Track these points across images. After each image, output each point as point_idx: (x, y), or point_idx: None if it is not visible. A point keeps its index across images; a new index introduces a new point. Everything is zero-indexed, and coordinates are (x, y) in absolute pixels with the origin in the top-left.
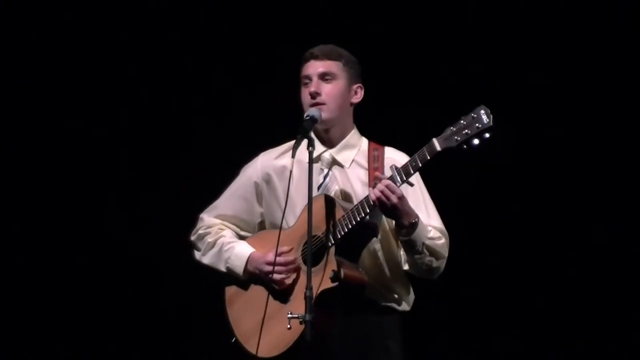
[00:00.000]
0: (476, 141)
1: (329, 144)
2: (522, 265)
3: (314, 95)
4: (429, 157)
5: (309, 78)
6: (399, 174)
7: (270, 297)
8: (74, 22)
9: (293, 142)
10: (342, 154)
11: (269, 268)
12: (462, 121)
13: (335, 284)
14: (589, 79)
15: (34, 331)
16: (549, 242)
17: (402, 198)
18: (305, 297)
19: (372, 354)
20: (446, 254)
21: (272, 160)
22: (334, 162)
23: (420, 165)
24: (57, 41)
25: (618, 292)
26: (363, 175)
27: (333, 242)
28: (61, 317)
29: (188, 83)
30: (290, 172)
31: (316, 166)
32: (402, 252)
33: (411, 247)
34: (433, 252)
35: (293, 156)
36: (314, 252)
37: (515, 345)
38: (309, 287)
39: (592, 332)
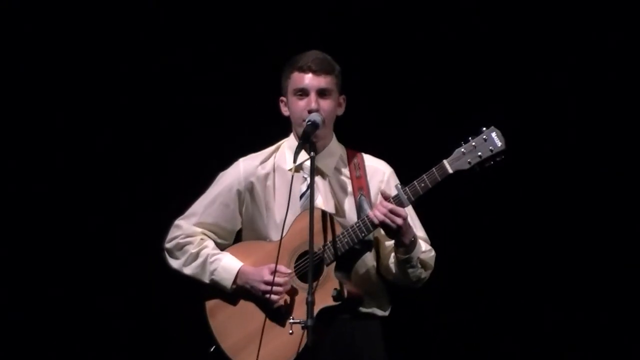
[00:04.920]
0: (489, 164)
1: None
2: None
3: (314, 112)
4: (439, 179)
5: (305, 92)
6: (406, 194)
7: (261, 312)
8: (69, 21)
9: (273, 147)
10: (324, 162)
11: (266, 287)
12: (472, 143)
13: (339, 302)
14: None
15: (33, 331)
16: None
17: (406, 219)
18: (307, 303)
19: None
20: (433, 265)
21: (255, 168)
22: (317, 171)
23: (430, 186)
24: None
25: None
26: (346, 183)
27: (332, 259)
28: (59, 316)
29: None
30: (292, 177)
31: (298, 175)
32: (390, 262)
33: (407, 263)
34: (424, 265)
35: (295, 162)
36: None
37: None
38: (310, 292)
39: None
